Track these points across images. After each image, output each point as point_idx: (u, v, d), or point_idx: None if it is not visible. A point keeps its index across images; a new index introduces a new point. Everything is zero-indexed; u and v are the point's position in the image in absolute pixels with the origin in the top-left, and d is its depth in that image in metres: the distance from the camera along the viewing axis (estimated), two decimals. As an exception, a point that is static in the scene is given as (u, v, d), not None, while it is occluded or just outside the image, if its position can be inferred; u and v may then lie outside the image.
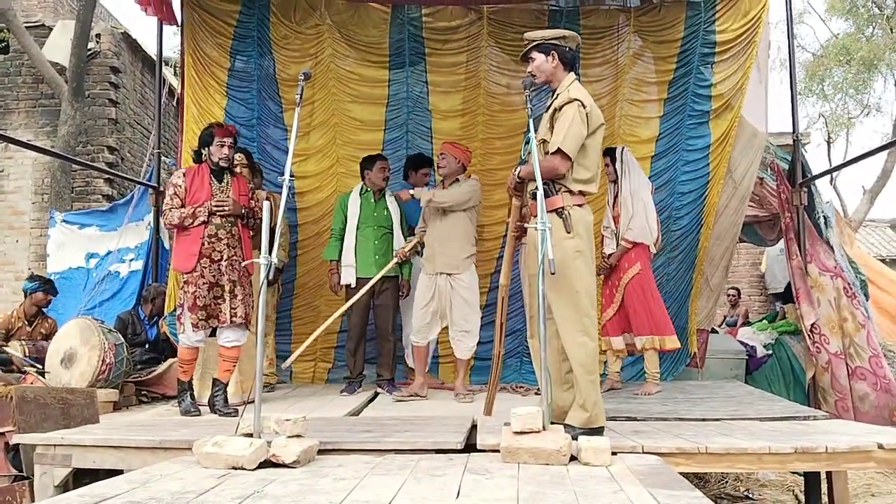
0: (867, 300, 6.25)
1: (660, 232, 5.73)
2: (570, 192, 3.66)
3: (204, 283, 4.68)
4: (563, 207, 3.64)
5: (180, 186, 4.77)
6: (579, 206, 3.68)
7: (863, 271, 6.58)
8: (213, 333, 4.87)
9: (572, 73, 3.85)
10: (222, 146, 4.78)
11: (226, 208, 4.73)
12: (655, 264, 6.49)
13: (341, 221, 5.83)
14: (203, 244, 4.69)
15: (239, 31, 6.44)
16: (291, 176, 3.60)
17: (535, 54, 3.83)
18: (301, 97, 3.75)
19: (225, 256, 4.75)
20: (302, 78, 3.81)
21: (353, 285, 5.66)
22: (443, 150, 5.52)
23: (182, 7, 6.31)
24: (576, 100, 3.63)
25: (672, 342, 5.50)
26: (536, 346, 3.58)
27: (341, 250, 5.79)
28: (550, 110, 3.75)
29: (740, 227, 6.61)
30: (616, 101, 6.55)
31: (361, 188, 5.83)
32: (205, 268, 4.69)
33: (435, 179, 6.09)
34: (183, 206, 4.74)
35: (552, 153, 3.61)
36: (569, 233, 3.60)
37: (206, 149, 4.83)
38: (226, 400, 4.83)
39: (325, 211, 6.68)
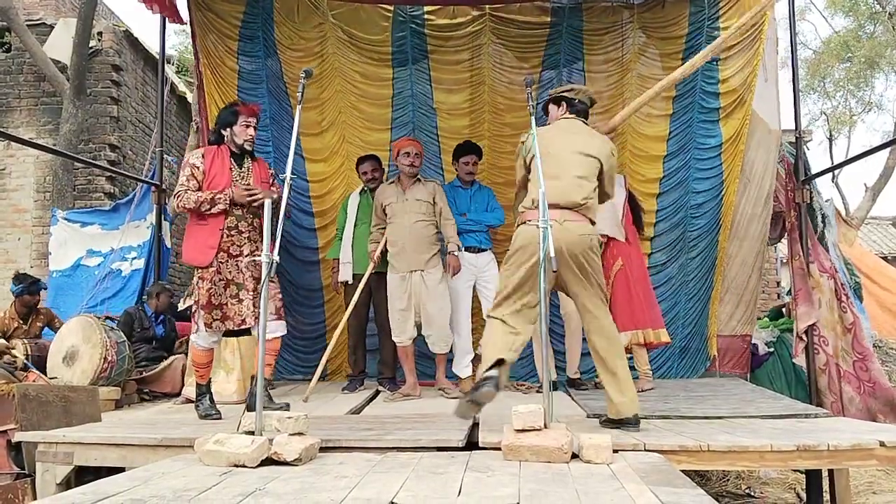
0: (861, 302, 6.25)
1: (623, 222, 5.67)
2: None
3: (220, 280, 4.27)
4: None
5: (198, 168, 4.32)
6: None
7: (857, 273, 6.57)
8: (228, 334, 4.52)
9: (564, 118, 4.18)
10: (248, 126, 4.37)
11: (258, 196, 4.30)
12: (675, 265, 6.56)
13: (344, 220, 5.94)
14: (222, 237, 4.28)
15: (244, 31, 6.46)
16: (293, 175, 3.59)
17: (550, 107, 4.29)
18: (303, 95, 3.75)
19: (245, 252, 4.34)
20: (303, 76, 3.81)
21: (350, 282, 5.75)
22: (413, 147, 5.60)
23: (189, 7, 6.33)
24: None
25: (658, 336, 5.49)
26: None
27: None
28: None
29: (768, 226, 6.57)
30: (623, 98, 6.54)
31: (362, 187, 5.96)
32: (221, 263, 4.28)
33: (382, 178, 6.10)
34: (200, 189, 4.30)
35: None
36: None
37: (229, 129, 4.39)
38: (270, 397, 4.57)
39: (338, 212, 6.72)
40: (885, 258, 17.05)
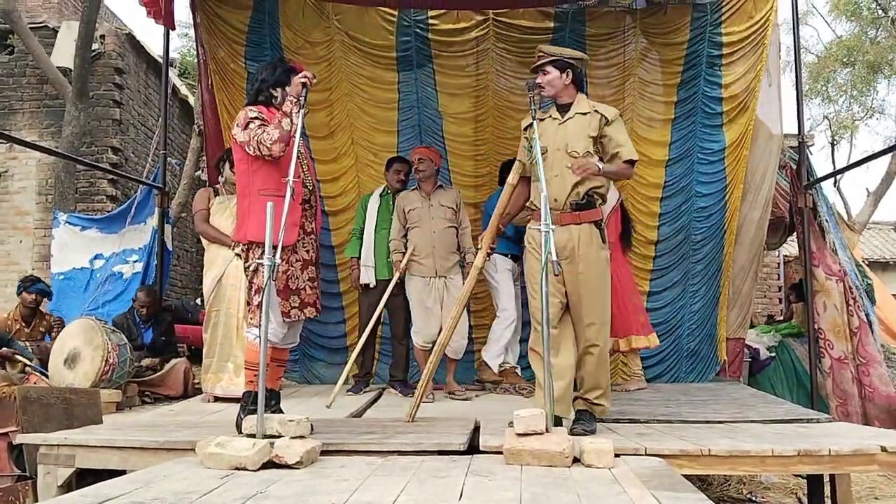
0: (874, 304, 6.25)
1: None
2: (603, 204, 3.92)
3: (297, 261, 3.79)
4: (601, 219, 3.85)
5: (262, 120, 3.69)
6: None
7: (869, 275, 6.57)
8: None
9: (583, 94, 4.02)
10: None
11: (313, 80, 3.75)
12: (679, 269, 6.63)
13: (362, 221, 5.95)
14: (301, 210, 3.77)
15: (251, 36, 6.48)
16: (297, 178, 3.58)
17: (549, 68, 3.94)
18: (305, 100, 3.74)
19: (314, 228, 3.93)
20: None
21: (371, 285, 5.79)
22: (420, 154, 5.72)
23: (195, 12, 6.34)
24: (620, 115, 3.94)
25: (627, 343, 5.72)
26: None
27: (361, 248, 5.90)
28: (591, 124, 3.87)
29: (766, 231, 6.62)
30: (625, 105, 6.55)
31: (383, 189, 5.97)
32: (299, 240, 3.78)
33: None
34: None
35: (628, 163, 3.86)
36: (604, 243, 3.85)
37: (281, 89, 3.84)
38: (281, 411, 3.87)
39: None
40: (886, 263, 17.05)
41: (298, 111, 3.67)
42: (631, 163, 3.87)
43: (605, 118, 3.86)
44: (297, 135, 3.65)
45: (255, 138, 3.63)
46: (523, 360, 5.63)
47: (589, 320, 3.79)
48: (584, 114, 3.89)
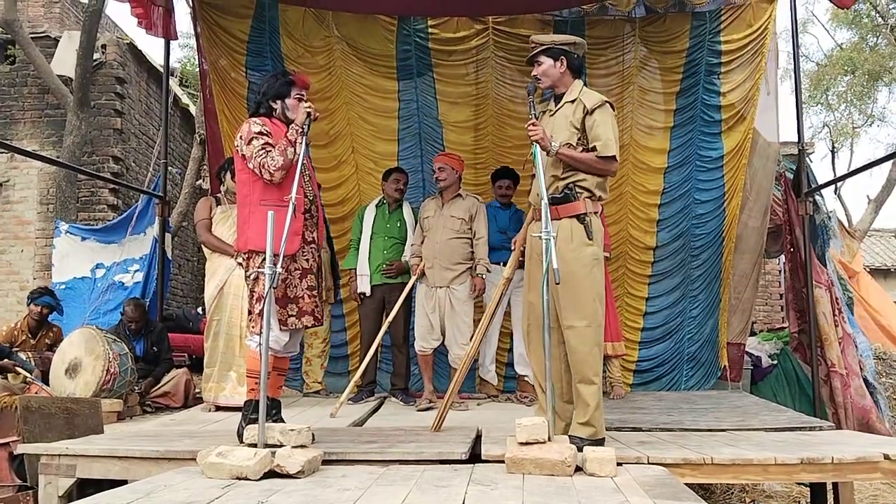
0: (853, 315, 6.26)
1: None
2: (593, 198, 3.64)
3: (296, 269, 3.79)
4: (585, 213, 3.60)
5: (266, 136, 3.72)
6: (596, 213, 3.66)
7: (850, 288, 6.60)
8: None
9: (580, 80, 3.83)
10: (300, 100, 3.86)
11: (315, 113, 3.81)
12: (679, 274, 6.68)
13: (359, 231, 5.97)
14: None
15: (251, 46, 6.50)
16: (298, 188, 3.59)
17: (542, 58, 3.76)
18: (309, 127, 3.76)
19: (315, 237, 3.92)
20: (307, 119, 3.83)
21: (367, 293, 5.81)
22: (441, 162, 5.69)
23: (195, 23, 6.36)
24: (607, 102, 3.67)
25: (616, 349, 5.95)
26: (540, 355, 3.58)
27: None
28: (575, 113, 3.68)
29: (765, 238, 6.64)
30: (624, 113, 6.56)
31: (380, 199, 6.00)
32: (299, 249, 3.79)
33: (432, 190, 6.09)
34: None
35: (607, 158, 3.58)
36: (590, 239, 3.57)
37: (280, 101, 3.87)
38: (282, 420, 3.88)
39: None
40: (887, 270, 17.06)
41: (302, 140, 3.71)
42: (607, 159, 3.59)
43: (586, 107, 3.62)
44: (300, 162, 3.68)
45: (258, 160, 3.66)
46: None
47: (567, 322, 3.54)
48: (572, 102, 3.70)
